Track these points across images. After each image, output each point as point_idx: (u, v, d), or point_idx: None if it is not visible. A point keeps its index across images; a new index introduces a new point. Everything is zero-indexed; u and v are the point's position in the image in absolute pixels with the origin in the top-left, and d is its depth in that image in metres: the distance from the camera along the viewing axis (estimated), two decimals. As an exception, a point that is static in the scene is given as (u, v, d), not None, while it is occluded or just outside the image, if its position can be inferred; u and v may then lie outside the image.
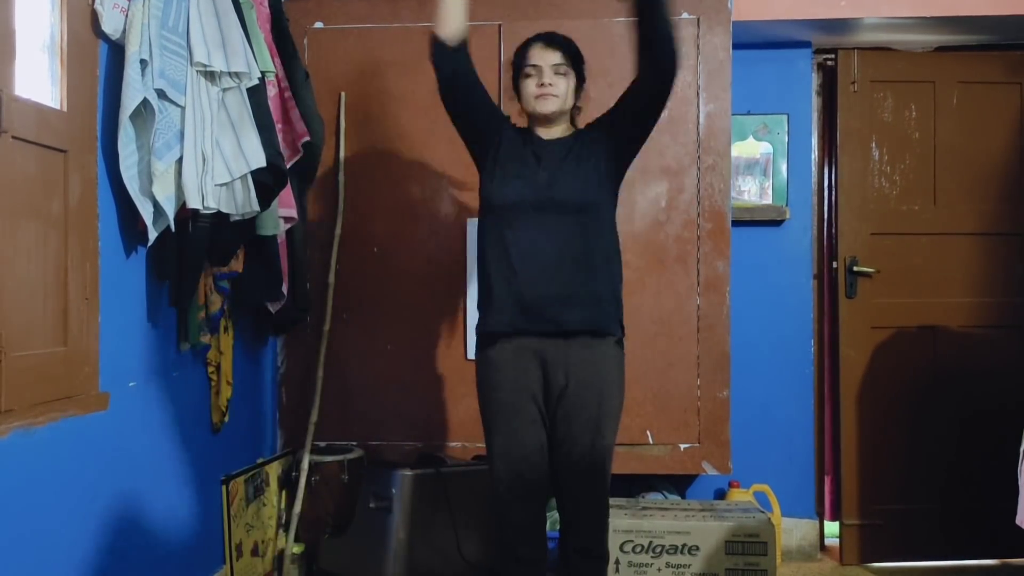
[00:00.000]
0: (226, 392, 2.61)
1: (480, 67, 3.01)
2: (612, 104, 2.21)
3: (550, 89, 2.12)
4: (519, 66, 2.19)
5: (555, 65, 2.13)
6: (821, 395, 3.40)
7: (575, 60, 2.18)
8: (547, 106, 2.13)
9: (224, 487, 2.58)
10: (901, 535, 3.26)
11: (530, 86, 2.15)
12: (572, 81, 2.17)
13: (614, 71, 2.93)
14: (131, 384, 2.14)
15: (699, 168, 2.99)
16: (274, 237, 2.67)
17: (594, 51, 3.00)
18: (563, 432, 2.08)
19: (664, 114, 2.99)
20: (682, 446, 2.97)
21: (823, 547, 3.40)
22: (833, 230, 3.36)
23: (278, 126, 2.55)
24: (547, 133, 2.20)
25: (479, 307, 2.19)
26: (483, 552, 2.79)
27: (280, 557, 2.86)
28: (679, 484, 3.26)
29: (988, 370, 3.27)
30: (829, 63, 3.38)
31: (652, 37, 2.04)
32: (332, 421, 3.01)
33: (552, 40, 2.16)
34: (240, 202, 2.29)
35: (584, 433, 2.07)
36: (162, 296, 2.29)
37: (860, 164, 3.30)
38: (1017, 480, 2.43)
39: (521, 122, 2.28)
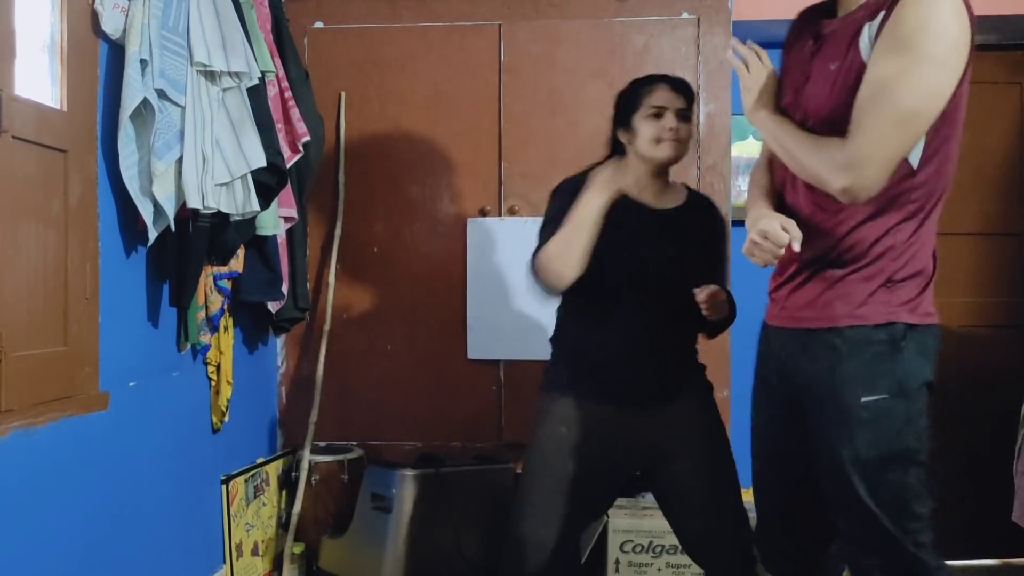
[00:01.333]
0: (226, 392, 2.61)
1: (480, 67, 3.04)
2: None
3: (676, 135, 1.97)
4: (636, 104, 2.00)
5: (680, 110, 1.98)
6: (821, 395, 3.40)
7: (691, 107, 2.03)
8: (669, 152, 1.98)
9: (224, 487, 2.58)
10: (901, 535, 3.25)
11: (654, 127, 1.96)
12: (689, 129, 2.02)
13: (613, 71, 2.94)
14: (131, 384, 2.14)
15: (699, 168, 2.99)
16: (274, 237, 2.67)
17: (594, 51, 3.01)
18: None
19: (664, 114, 3.03)
20: (682, 446, 2.97)
21: (823, 547, 3.40)
22: (833, 230, 3.36)
23: (278, 126, 2.55)
24: (646, 191, 2.03)
25: (558, 353, 2.11)
26: (483, 552, 2.79)
27: (280, 557, 2.86)
28: (679, 484, 3.26)
29: (988, 370, 3.27)
30: (829, 63, 3.38)
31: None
32: (332, 421, 3.01)
33: (678, 85, 2.01)
34: (240, 202, 2.29)
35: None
36: (162, 296, 2.29)
37: (860, 164, 3.29)
38: (1013, 478, 2.44)
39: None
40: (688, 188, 2.15)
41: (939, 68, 1.40)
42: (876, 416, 1.51)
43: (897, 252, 1.53)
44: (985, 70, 3.31)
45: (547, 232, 1.95)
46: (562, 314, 2.12)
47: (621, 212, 1.94)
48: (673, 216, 2.05)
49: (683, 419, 2.06)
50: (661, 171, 2.04)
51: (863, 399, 1.50)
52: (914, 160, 1.48)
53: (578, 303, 2.05)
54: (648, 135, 1.97)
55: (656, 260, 1.99)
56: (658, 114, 1.97)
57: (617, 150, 2.10)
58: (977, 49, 1.48)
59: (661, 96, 1.98)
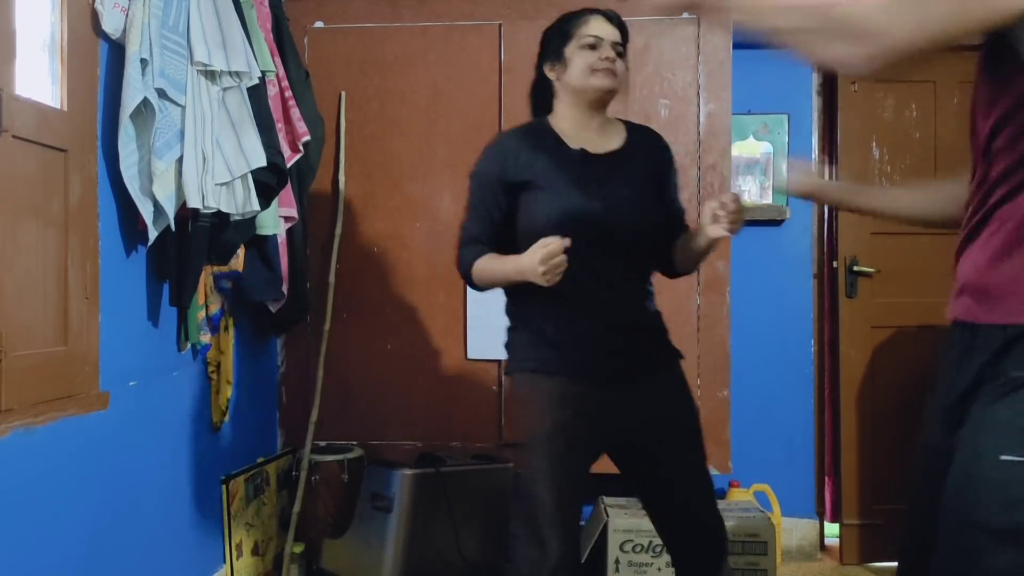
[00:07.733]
0: (226, 392, 2.61)
1: (480, 67, 3.04)
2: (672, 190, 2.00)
3: (612, 65, 1.85)
4: (567, 36, 1.89)
5: (615, 43, 1.87)
6: (821, 395, 3.40)
7: (626, 45, 1.92)
8: (606, 81, 1.85)
9: (224, 487, 2.58)
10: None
11: (589, 57, 1.85)
12: (625, 65, 1.91)
13: (614, 71, 2.93)
14: (131, 384, 2.14)
15: (699, 168, 2.99)
16: (274, 237, 2.67)
17: (594, 51, 3.01)
18: None
19: (664, 113, 3.03)
20: (682, 446, 2.97)
21: (823, 547, 3.40)
22: (833, 230, 3.36)
23: (278, 125, 2.55)
24: (584, 132, 1.89)
25: (519, 328, 1.90)
26: (483, 552, 2.79)
27: (280, 557, 2.86)
28: (679, 484, 3.26)
29: (988, 370, 3.26)
30: (829, 63, 3.38)
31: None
32: (332, 421, 3.01)
33: (612, 17, 1.91)
34: (240, 201, 2.29)
35: None
36: (162, 296, 2.29)
37: (860, 164, 3.30)
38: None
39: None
40: (625, 122, 1.99)
41: None
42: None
43: None
44: (985, 70, 3.32)
45: (470, 227, 1.88)
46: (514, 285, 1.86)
47: (561, 163, 1.83)
48: (616, 159, 1.90)
49: (661, 398, 1.90)
50: (597, 107, 1.89)
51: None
52: None
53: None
54: (582, 64, 1.85)
55: (606, 210, 1.83)
56: (593, 45, 1.86)
57: (539, 108, 1.97)
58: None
59: (596, 27, 1.87)
